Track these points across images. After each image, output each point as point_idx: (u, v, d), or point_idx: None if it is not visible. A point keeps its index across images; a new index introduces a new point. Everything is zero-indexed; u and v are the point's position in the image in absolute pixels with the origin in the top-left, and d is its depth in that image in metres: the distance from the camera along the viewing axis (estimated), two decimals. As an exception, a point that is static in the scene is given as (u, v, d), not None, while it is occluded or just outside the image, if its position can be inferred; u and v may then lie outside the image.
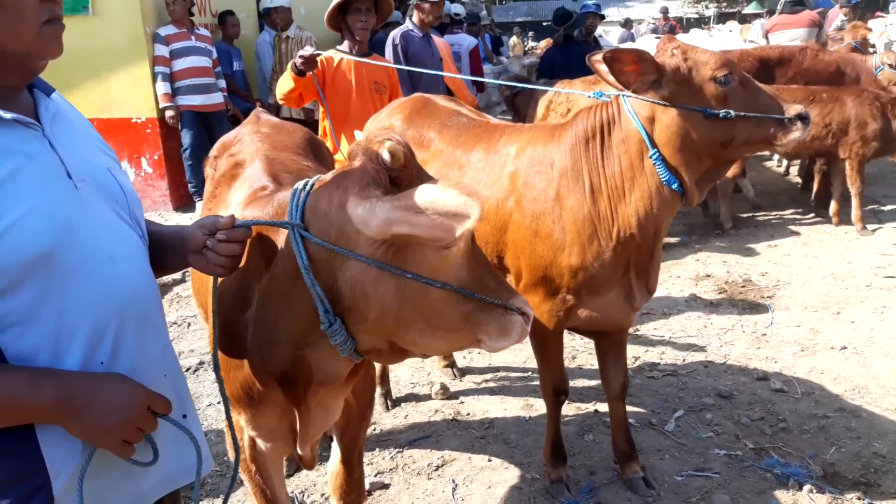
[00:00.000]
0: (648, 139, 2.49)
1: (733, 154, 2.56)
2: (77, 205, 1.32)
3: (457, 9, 10.03)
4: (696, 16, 34.03)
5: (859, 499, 3.00)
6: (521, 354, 4.43)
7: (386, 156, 1.41)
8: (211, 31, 7.86)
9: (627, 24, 20.07)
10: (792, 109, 2.40)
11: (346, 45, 4.31)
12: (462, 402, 3.90)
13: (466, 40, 8.71)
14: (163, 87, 7.05)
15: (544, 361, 2.98)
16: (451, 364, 4.23)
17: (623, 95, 2.53)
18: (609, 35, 18.55)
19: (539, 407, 3.81)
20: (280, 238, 1.58)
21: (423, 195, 1.33)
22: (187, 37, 7.15)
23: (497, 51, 14.07)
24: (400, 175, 1.43)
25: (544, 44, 16.60)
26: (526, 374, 4.20)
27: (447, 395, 3.95)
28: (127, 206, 1.48)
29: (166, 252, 1.62)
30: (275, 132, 2.54)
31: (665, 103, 2.46)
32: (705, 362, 4.29)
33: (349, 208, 1.41)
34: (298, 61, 3.89)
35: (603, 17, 8.64)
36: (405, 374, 4.24)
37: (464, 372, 4.23)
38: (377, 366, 3.65)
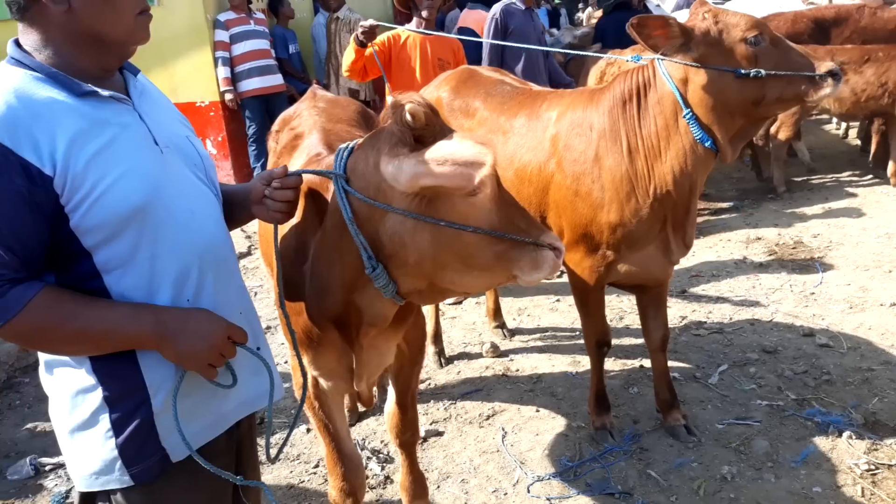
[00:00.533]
0: (682, 100, 2.62)
1: (766, 112, 2.66)
2: (163, 167, 1.55)
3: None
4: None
5: (898, 444, 3.09)
6: (569, 316, 4.60)
7: (408, 117, 1.58)
8: (266, 16, 8.15)
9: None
10: (823, 66, 2.48)
11: (413, 24, 4.50)
12: (511, 360, 4.11)
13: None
14: (223, 72, 7.38)
15: (587, 315, 3.15)
16: (502, 325, 4.43)
17: (658, 59, 2.65)
18: (665, 4, 18.19)
19: (585, 363, 3.97)
20: (330, 196, 1.80)
21: (442, 149, 1.52)
22: (246, 21, 7.45)
23: (556, 23, 13.95)
24: (424, 133, 1.59)
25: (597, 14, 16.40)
26: (574, 334, 4.37)
27: (497, 353, 4.16)
28: (203, 169, 1.72)
29: (234, 207, 1.85)
30: (330, 106, 2.77)
31: (697, 65, 2.58)
32: (752, 320, 4.38)
33: (381, 167, 1.60)
34: (360, 31, 4.11)
35: None
36: (458, 335, 4.46)
37: (513, 332, 4.43)
38: (430, 325, 3.89)
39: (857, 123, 8.26)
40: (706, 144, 2.63)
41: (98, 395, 1.51)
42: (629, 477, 3.01)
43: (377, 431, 3.47)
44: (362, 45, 4.17)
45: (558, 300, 4.87)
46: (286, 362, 4.03)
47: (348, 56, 4.33)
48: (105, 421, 1.51)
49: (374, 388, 3.24)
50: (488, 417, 3.54)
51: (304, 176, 1.81)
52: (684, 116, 2.63)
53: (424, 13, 4.42)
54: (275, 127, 2.92)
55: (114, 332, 1.46)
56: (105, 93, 1.49)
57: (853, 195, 6.65)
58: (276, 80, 7.64)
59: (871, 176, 7.12)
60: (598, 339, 3.16)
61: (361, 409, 3.57)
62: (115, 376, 1.51)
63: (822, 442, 3.15)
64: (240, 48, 7.37)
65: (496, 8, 5.55)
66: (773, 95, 2.53)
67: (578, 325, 4.44)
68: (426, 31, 4.38)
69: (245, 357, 1.65)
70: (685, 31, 2.54)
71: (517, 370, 3.98)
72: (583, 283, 2.99)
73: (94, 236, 1.44)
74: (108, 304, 1.48)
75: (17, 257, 1.37)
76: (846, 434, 3.16)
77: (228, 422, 1.70)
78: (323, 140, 2.29)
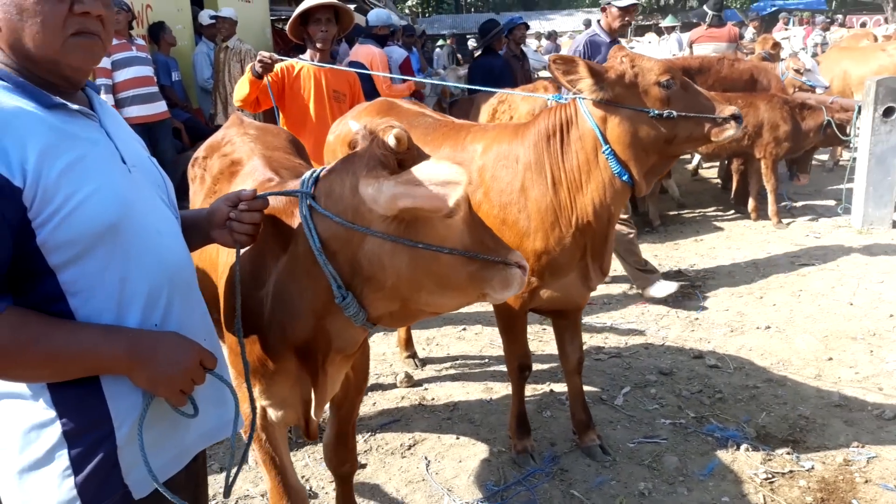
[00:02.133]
0: (602, 136, 2.80)
1: (677, 149, 2.89)
2: (132, 186, 1.50)
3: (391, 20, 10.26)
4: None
5: (788, 453, 3.37)
6: (476, 344, 4.70)
7: (392, 141, 1.64)
8: (146, 43, 7.85)
9: (552, 36, 20.76)
10: (727, 110, 2.74)
11: (307, 55, 4.48)
12: (426, 389, 4.13)
13: (396, 52, 8.91)
14: (107, 99, 7.00)
15: (510, 341, 3.24)
16: (412, 355, 4.45)
17: (579, 98, 2.82)
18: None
19: (499, 389, 4.08)
20: (296, 222, 1.78)
21: (421, 169, 1.57)
22: (128, 47, 7.13)
23: (431, 63, 14.35)
24: (404, 158, 1.65)
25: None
26: (483, 361, 4.46)
27: (411, 382, 4.17)
28: (165, 191, 1.68)
29: (189, 232, 1.78)
30: (262, 133, 2.73)
31: (615, 104, 2.77)
32: (646, 345, 4.65)
33: (360, 189, 1.64)
34: (258, 65, 4.05)
35: (528, 26, 9.07)
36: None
37: (424, 362, 4.46)
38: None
39: (717, 163, 9.06)
40: (623, 178, 2.81)
41: (56, 429, 1.39)
42: (553, 497, 3.10)
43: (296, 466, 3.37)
44: (259, 76, 4.11)
45: (464, 329, 4.96)
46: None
47: (242, 87, 4.23)
48: (63, 458, 1.40)
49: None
50: (410, 447, 3.53)
51: (233, 192, 1.79)
52: (603, 152, 2.80)
53: (319, 44, 4.39)
54: (200, 153, 2.83)
55: (84, 354, 1.37)
56: (74, 106, 1.43)
57: (720, 228, 7.25)
58: (160, 107, 7.34)
59: (732, 211, 7.80)
60: (520, 363, 3.26)
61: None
62: (78, 407, 1.41)
63: (723, 455, 3.38)
64: (122, 75, 7.02)
65: (580, 39, 5.50)
66: (684, 135, 2.76)
67: (486, 352, 4.56)
68: (319, 63, 4.37)
69: (206, 386, 1.59)
70: (594, 73, 2.73)
71: (433, 399, 4.01)
72: (508, 308, 3.08)
73: (62, 254, 1.36)
74: (78, 326, 1.39)
75: None
76: (743, 447, 3.42)
77: (189, 454, 1.63)
78: (267, 165, 2.26)
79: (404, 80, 6.93)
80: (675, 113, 2.72)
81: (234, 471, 1.71)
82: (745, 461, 3.34)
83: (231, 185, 2.32)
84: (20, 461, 1.41)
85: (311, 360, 1.90)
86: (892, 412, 3.64)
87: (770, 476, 3.23)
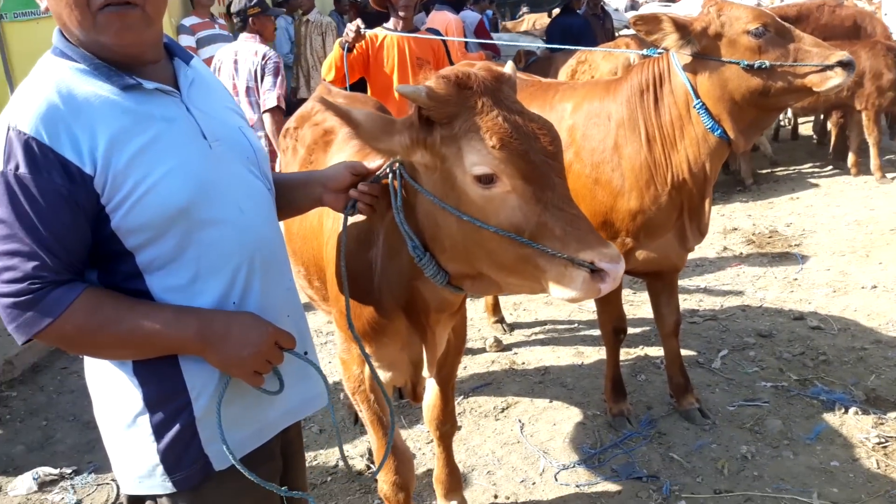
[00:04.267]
0: (693, 91, 2.69)
1: (776, 102, 2.73)
2: (212, 163, 1.47)
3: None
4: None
5: (902, 418, 3.21)
6: (565, 310, 4.65)
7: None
8: (227, 21, 8.00)
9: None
10: (833, 56, 2.56)
11: (391, 23, 4.47)
12: (516, 353, 4.12)
13: (470, 17, 8.83)
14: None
15: (604, 303, 3.19)
16: (501, 320, 4.45)
17: (672, 51, 2.71)
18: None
19: (590, 354, 4.03)
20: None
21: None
22: (211, 25, 7.29)
23: (496, 29, 14.13)
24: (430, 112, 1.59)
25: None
26: (572, 326, 4.42)
27: (501, 347, 4.17)
28: (256, 161, 1.63)
29: (297, 193, 1.80)
30: (351, 101, 2.75)
31: (700, 56, 2.65)
32: (742, 306, 4.50)
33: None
34: (349, 35, 4.07)
35: None
36: (458, 332, 4.46)
37: (512, 327, 4.45)
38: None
39: (810, 118, 8.60)
40: (717, 134, 2.69)
41: (138, 397, 1.44)
42: (652, 461, 3.06)
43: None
44: (349, 49, 4.12)
45: (552, 294, 4.91)
46: (329, 363, 3.99)
47: (330, 63, 4.26)
48: (146, 424, 1.44)
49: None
50: (503, 410, 3.54)
51: (362, 164, 1.80)
52: (695, 107, 2.69)
53: (402, 13, 4.39)
54: (290, 124, 2.88)
55: (156, 336, 1.39)
56: (150, 85, 1.42)
57: (817, 185, 6.91)
58: (243, 84, 7.49)
59: (830, 167, 7.41)
60: (615, 325, 3.21)
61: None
62: (155, 378, 1.44)
63: (831, 418, 3.25)
64: (207, 52, 7.20)
65: None
66: (781, 86, 2.60)
67: (575, 317, 4.51)
68: (395, 32, 4.32)
69: (291, 362, 1.58)
70: (679, 27, 2.61)
71: (523, 363, 4.00)
72: (602, 271, 3.02)
73: (137, 237, 1.38)
74: (151, 307, 1.41)
75: (58, 259, 1.31)
76: (852, 410, 3.27)
77: (274, 430, 1.62)
78: None
79: (481, 44, 6.83)
80: (767, 63, 2.57)
81: (342, 446, 1.73)
82: (854, 425, 3.19)
83: (327, 155, 2.34)
84: (114, 422, 1.48)
85: (419, 320, 1.90)
86: None
87: (883, 440, 3.08)
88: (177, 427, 1.45)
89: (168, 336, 1.40)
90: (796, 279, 4.83)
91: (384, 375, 2.16)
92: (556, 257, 1.44)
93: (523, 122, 1.54)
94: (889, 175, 6.73)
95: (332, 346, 4.22)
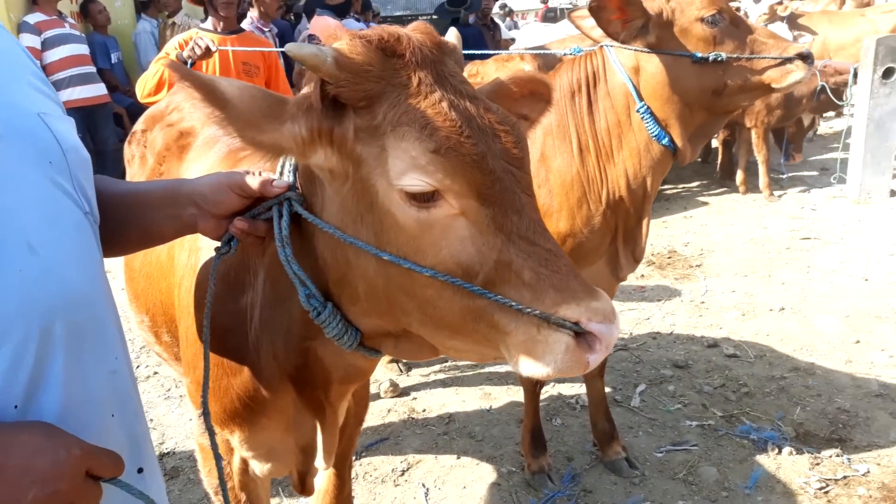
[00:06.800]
0: (635, 91, 2.29)
1: (729, 103, 2.37)
2: None
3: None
4: (570, 6, 34.95)
5: (838, 455, 2.96)
6: (466, 342, 4.18)
7: None
8: (78, 21, 7.11)
9: (510, 13, 20.20)
10: (791, 49, 2.24)
11: (209, 23, 3.91)
12: (415, 399, 3.60)
13: (352, 25, 8.39)
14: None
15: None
16: (395, 359, 3.91)
17: (606, 45, 2.31)
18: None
19: (498, 395, 3.58)
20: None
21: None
22: (60, 24, 6.40)
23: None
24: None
25: None
26: (476, 364, 3.95)
27: (397, 392, 3.64)
28: (66, 168, 1.02)
29: (157, 213, 1.22)
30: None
31: (647, 50, 2.26)
32: (653, 334, 4.20)
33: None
34: (198, 51, 3.46)
35: None
36: (346, 374, 3.89)
37: (409, 366, 3.93)
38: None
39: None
40: (662, 142, 2.31)
41: None
42: (581, 527, 2.63)
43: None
44: (184, 61, 3.50)
45: (451, 326, 4.44)
46: (191, 419, 3.28)
47: (154, 79, 3.59)
48: None
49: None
50: (403, 472, 3.00)
51: (248, 181, 1.19)
52: (637, 110, 2.30)
53: (221, 11, 3.88)
54: (139, 126, 2.26)
55: None
56: None
57: (707, 204, 6.86)
58: (100, 90, 6.62)
59: (717, 185, 7.42)
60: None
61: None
62: None
63: (765, 461, 2.95)
64: (55, 54, 6.28)
65: None
66: (737, 83, 2.25)
67: (479, 352, 4.04)
68: (220, 45, 3.75)
69: (116, 496, 0.98)
70: (645, 12, 2.21)
71: (424, 410, 3.48)
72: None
73: None
74: None
75: None
76: (786, 450, 2.99)
77: None
78: None
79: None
80: (723, 55, 2.21)
81: None
82: (790, 467, 2.91)
83: (182, 163, 1.76)
84: None
85: (313, 395, 1.34)
86: (942, 401, 3.26)
87: (823, 484, 2.80)
88: None
89: None
90: (703, 302, 4.61)
91: (260, 468, 1.58)
92: (523, 314, 0.98)
93: (477, 111, 1.03)
94: (777, 193, 6.77)
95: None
